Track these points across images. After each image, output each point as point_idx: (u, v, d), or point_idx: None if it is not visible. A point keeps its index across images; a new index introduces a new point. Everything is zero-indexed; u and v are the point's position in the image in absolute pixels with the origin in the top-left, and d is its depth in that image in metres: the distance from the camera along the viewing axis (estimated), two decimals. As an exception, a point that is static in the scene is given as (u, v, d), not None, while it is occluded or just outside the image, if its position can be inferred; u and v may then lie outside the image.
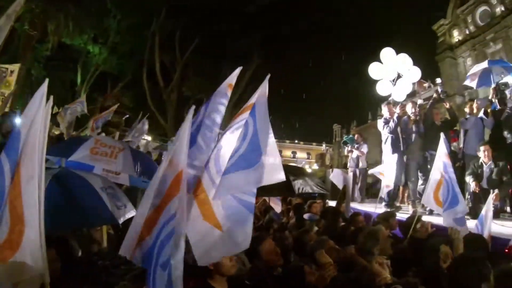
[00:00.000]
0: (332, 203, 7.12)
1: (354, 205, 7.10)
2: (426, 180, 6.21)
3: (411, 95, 8.63)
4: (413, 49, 7.42)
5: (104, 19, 21.14)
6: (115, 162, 3.46)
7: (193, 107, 2.08)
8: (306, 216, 4.86)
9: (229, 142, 2.34)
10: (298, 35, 24.69)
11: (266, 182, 2.18)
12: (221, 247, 2.14)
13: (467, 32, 31.17)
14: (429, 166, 6.06)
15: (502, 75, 6.28)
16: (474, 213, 4.93)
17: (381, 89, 7.46)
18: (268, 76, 2.44)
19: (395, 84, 7.30)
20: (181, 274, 1.62)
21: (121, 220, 2.50)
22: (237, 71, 2.68)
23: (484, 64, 6.88)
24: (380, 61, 7.48)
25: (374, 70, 7.46)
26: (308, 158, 55.14)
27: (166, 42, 23.15)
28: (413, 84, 7.98)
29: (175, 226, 1.68)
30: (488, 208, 3.67)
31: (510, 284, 2.10)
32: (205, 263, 2.13)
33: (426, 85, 37.28)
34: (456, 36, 32.26)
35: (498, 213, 4.96)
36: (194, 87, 24.39)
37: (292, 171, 6.21)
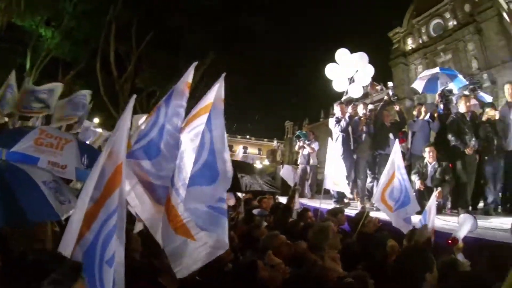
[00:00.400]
0: (282, 199, 7.27)
1: (304, 201, 7.26)
2: (374, 178, 6.56)
3: (364, 97, 8.96)
4: (368, 53, 7.69)
5: (60, 1, 19.80)
6: (60, 154, 3.27)
7: (134, 96, 2.05)
8: (255, 211, 4.88)
9: (189, 152, 2.36)
10: (255, 33, 24.86)
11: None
12: (198, 257, 2.16)
13: (420, 41, 33.33)
14: (377, 165, 6.37)
15: (447, 83, 6.74)
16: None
17: (338, 86, 7.66)
18: (223, 75, 2.42)
19: (352, 81, 7.52)
20: (123, 271, 1.60)
21: (64, 216, 2.36)
22: (193, 67, 2.60)
23: (436, 70, 7.31)
24: (336, 62, 7.68)
25: (330, 70, 7.64)
26: (259, 154, 55.77)
27: (122, 32, 22.07)
28: (367, 85, 8.29)
29: (117, 222, 1.63)
30: (431, 205, 3.90)
31: (451, 273, 2.23)
32: (184, 275, 2.13)
33: (378, 87, 39.10)
34: (410, 44, 34.40)
35: (440, 209, 5.33)
36: (148, 79, 23.65)
37: (241, 168, 6.21)
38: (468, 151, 5.36)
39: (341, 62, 7.59)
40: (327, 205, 6.16)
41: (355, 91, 7.51)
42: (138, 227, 2.86)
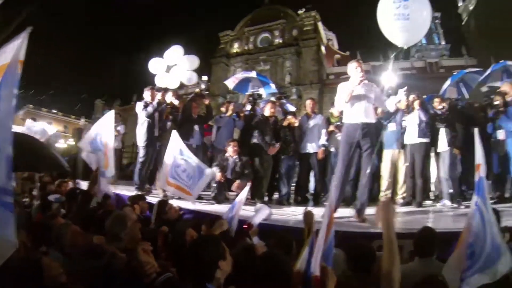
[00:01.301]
0: (84, 184, 6.49)
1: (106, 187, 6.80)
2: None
3: (179, 87, 8.89)
4: (193, 46, 7.75)
5: None
6: None
7: None
8: (51, 197, 4.32)
9: None
10: (92, 7, 21.87)
11: None
12: None
13: (246, 48, 36.92)
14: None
15: (258, 88, 7.52)
16: (218, 199, 5.68)
17: (159, 81, 7.34)
18: (28, 30, 1.90)
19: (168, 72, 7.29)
20: None
21: None
22: (23, 38, 1.91)
23: (252, 74, 7.99)
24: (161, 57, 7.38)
25: (153, 64, 7.28)
26: (64, 132, 49.75)
27: None
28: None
29: None
30: (242, 197, 4.14)
31: (248, 257, 2.38)
32: None
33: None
34: (236, 48, 37.63)
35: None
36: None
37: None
38: (270, 151, 5.99)
39: (168, 58, 7.28)
40: (129, 191, 5.89)
41: (172, 82, 7.29)
42: None
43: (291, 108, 8.21)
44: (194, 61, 7.49)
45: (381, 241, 3.40)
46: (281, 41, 35.58)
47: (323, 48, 35.32)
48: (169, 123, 6.55)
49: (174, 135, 4.78)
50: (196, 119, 6.62)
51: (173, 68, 7.18)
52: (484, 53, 31.05)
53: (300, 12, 35.89)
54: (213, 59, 37.34)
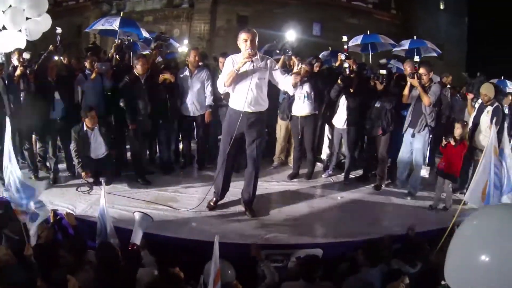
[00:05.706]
0: None
1: None
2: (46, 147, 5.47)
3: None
4: None
5: None
6: None
7: None
8: None
9: None
10: None
11: None
12: None
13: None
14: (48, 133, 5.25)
15: (128, 35, 6.13)
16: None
17: None
18: None
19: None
20: None
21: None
22: None
23: (114, 26, 6.53)
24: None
25: None
26: None
27: None
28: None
29: None
30: (102, 199, 3.53)
31: None
32: None
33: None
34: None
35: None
36: None
37: None
38: (131, 127, 5.06)
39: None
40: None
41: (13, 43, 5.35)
42: None
43: (175, 45, 7.19)
44: None
45: (268, 251, 3.50)
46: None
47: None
48: (23, 94, 4.91)
49: None
50: (55, 85, 5.07)
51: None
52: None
53: None
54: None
